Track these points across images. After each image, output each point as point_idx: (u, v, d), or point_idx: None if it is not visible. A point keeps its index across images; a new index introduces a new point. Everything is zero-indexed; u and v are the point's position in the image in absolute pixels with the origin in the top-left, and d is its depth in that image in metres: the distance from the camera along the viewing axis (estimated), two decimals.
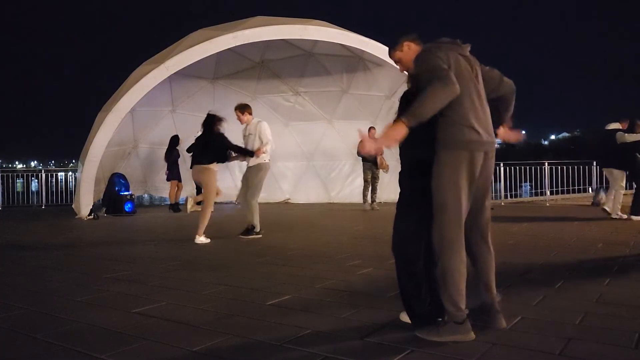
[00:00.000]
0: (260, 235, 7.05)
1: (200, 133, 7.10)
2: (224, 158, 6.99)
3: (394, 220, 2.98)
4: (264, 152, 7.04)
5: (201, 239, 6.62)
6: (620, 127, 8.85)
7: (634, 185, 9.04)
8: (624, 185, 8.98)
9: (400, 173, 2.98)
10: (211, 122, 6.93)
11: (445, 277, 2.72)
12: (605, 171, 9.14)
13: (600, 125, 9.29)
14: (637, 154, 8.58)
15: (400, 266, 2.94)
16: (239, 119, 7.36)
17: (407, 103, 2.90)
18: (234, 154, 7.12)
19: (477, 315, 2.88)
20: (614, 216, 8.72)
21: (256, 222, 7.09)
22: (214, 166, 6.87)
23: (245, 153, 7.10)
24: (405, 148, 2.92)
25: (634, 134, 8.61)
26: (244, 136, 7.31)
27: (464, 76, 2.75)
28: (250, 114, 7.37)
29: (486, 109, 2.85)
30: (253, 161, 7.15)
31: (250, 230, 7.06)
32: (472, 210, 2.86)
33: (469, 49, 2.88)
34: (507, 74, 3.10)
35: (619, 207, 8.76)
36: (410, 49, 2.91)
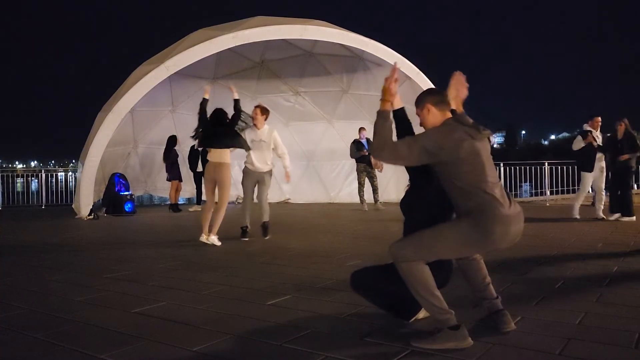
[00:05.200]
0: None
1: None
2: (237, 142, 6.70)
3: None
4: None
5: (212, 238, 6.46)
6: (589, 128, 8.79)
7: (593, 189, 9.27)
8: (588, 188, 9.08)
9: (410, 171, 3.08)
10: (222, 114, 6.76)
11: (408, 280, 2.69)
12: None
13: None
14: (603, 157, 8.60)
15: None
16: (256, 120, 7.00)
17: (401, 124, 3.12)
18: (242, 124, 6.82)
19: (485, 320, 2.90)
20: (576, 216, 8.81)
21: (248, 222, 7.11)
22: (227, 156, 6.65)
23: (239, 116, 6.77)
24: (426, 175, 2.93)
25: (579, 140, 8.70)
26: (252, 140, 6.97)
27: (467, 160, 2.69)
28: (266, 120, 7.21)
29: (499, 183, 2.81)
30: (268, 167, 7.30)
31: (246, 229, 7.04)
32: None
33: (488, 134, 2.82)
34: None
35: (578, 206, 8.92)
36: (429, 112, 2.91)
